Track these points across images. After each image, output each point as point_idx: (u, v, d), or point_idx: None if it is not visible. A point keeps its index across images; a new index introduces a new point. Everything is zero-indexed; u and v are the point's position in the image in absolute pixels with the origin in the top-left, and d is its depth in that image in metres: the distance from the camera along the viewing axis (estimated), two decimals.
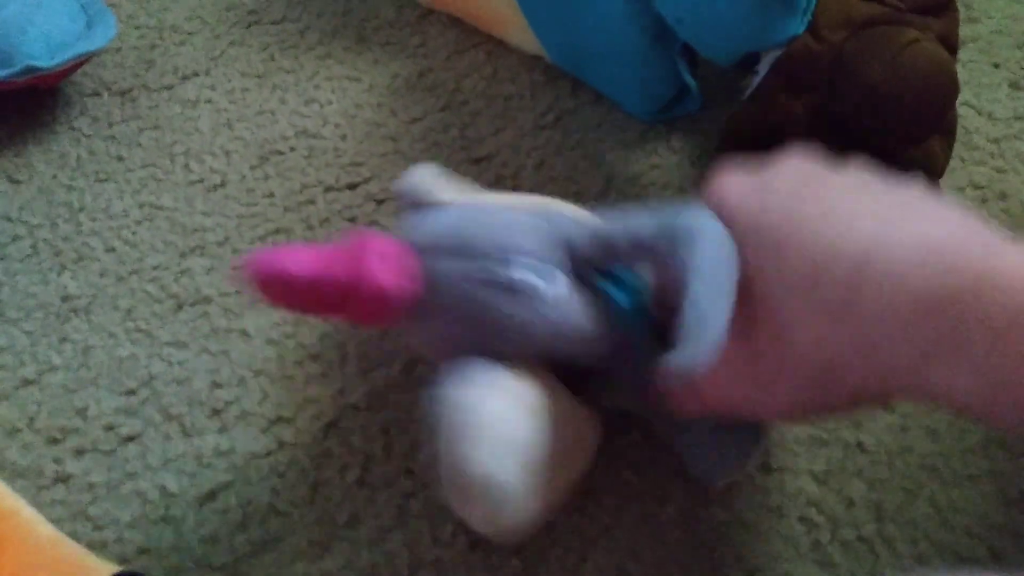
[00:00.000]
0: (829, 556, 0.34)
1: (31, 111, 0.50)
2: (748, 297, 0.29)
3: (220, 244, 0.45)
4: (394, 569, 0.35)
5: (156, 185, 0.47)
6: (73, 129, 0.50)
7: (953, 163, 0.44)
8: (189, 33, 0.54)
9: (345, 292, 0.29)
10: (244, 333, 0.41)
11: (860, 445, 0.37)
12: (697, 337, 0.27)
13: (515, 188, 0.46)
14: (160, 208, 0.46)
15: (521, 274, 0.30)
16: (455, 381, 0.30)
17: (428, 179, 0.36)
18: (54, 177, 0.48)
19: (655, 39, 0.44)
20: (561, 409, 0.33)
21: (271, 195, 0.47)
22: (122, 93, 0.51)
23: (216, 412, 0.39)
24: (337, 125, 0.49)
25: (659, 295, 0.32)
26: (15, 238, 0.45)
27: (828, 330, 0.26)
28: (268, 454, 0.38)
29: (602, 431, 0.35)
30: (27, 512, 0.34)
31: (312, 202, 0.46)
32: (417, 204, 0.35)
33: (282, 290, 0.29)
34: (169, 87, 0.52)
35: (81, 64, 0.49)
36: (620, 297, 0.32)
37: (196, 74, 0.52)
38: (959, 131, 0.44)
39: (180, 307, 0.42)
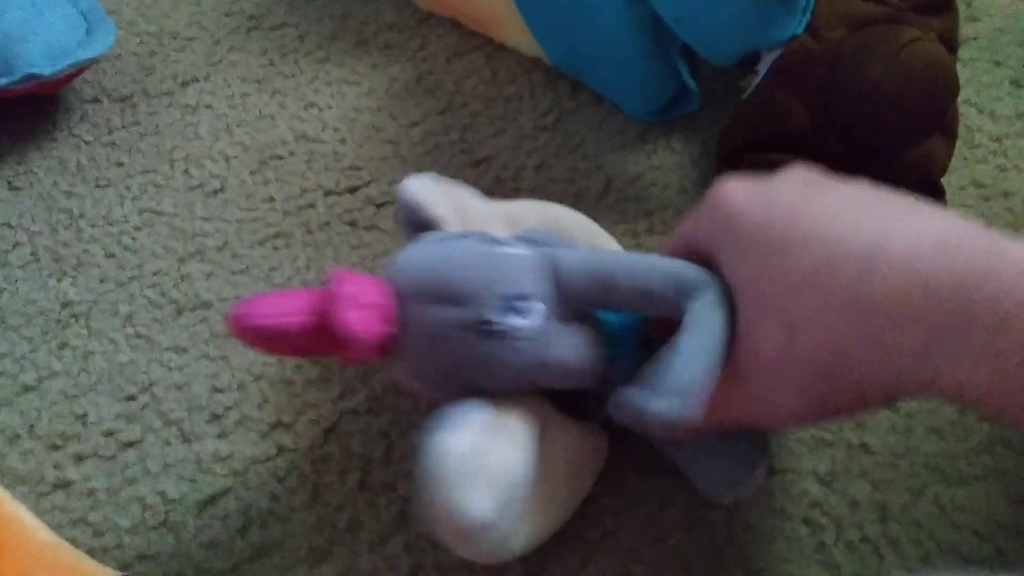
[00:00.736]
0: (833, 557, 0.34)
1: (31, 118, 0.50)
2: (753, 300, 0.28)
3: (220, 249, 0.45)
4: (395, 573, 0.34)
5: (156, 191, 0.47)
6: (73, 135, 0.50)
7: (955, 162, 0.44)
8: (188, 39, 0.54)
9: (319, 339, 0.29)
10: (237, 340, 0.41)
11: (864, 446, 0.36)
12: (687, 390, 0.27)
13: (515, 190, 0.46)
14: (160, 214, 0.46)
15: (497, 315, 0.30)
16: (438, 427, 0.29)
17: (425, 192, 0.35)
18: (54, 183, 0.48)
19: (654, 40, 0.44)
20: (554, 436, 0.33)
21: (271, 200, 0.47)
22: (122, 99, 0.51)
23: (216, 417, 0.39)
24: (336, 129, 0.49)
25: (655, 319, 0.33)
26: (15, 244, 0.45)
27: (836, 324, 0.26)
28: (268, 459, 0.38)
29: (605, 447, 0.35)
30: (27, 518, 0.34)
31: (312, 206, 0.46)
32: (414, 219, 0.35)
33: (259, 341, 0.30)
34: (169, 93, 0.52)
35: (81, 71, 0.49)
36: (611, 320, 0.32)
37: (196, 80, 0.52)
38: (961, 130, 0.44)
39: (180, 312, 0.42)
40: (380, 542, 0.35)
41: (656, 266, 0.30)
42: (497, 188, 0.46)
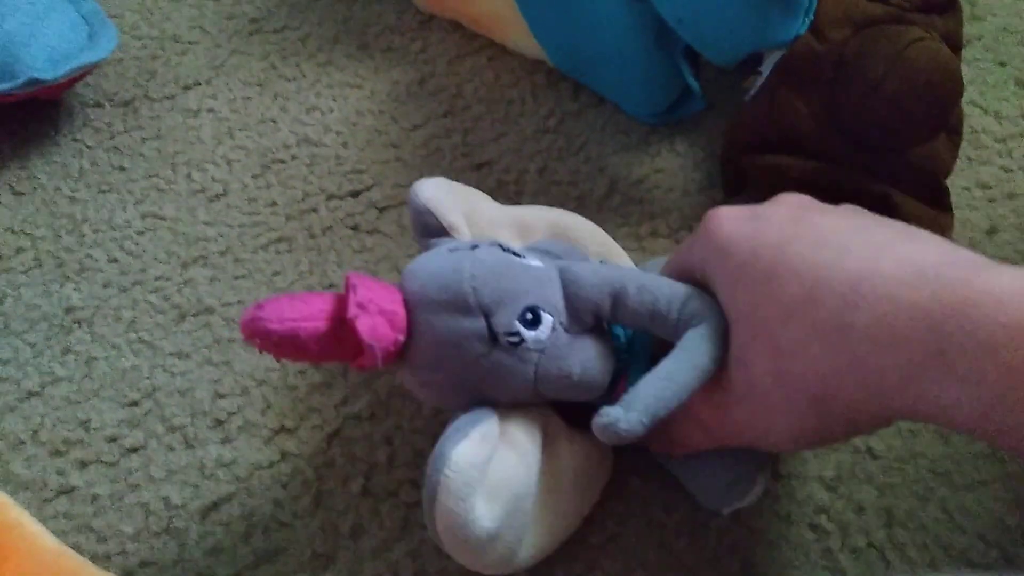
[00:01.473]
0: (839, 563, 0.34)
1: (34, 123, 0.50)
2: (746, 326, 0.29)
3: (222, 254, 0.45)
4: None
5: (158, 195, 0.47)
6: (75, 140, 0.50)
7: (960, 162, 0.43)
8: (190, 43, 0.54)
9: (331, 345, 0.29)
10: (247, 343, 0.41)
11: (870, 451, 0.36)
12: (642, 406, 0.27)
13: (518, 193, 0.46)
14: (162, 218, 0.46)
15: (507, 326, 0.30)
16: (444, 437, 0.29)
17: (437, 198, 0.35)
18: (57, 188, 0.48)
19: (657, 41, 0.44)
20: (561, 448, 0.33)
21: (273, 204, 0.46)
22: (124, 104, 0.51)
23: (219, 423, 0.39)
24: (339, 133, 0.49)
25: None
26: (18, 250, 0.45)
27: (824, 352, 0.26)
28: (271, 465, 0.38)
29: (611, 459, 0.35)
30: (31, 524, 0.33)
31: (314, 210, 0.46)
32: (425, 224, 0.35)
33: (271, 346, 0.29)
34: (171, 97, 0.52)
35: (83, 75, 0.49)
36: (623, 333, 0.33)
37: (198, 84, 0.52)
38: (965, 130, 0.44)
39: (183, 318, 0.42)
40: (384, 548, 0.35)
41: (665, 287, 0.30)
42: (499, 191, 0.46)
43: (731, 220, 0.30)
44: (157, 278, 0.44)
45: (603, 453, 0.34)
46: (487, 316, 0.30)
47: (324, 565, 0.35)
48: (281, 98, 0.51)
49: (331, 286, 0.43)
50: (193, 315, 0.42)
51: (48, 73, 0.46)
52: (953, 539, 0.34)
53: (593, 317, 0.31)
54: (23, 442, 0.39)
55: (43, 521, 0.35)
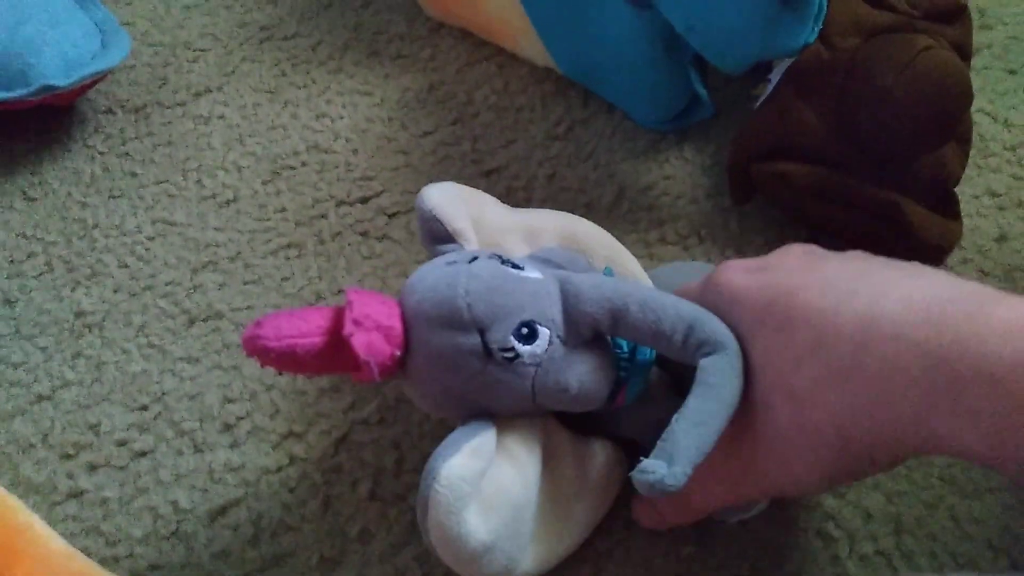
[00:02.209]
0: (847, 570, 0.34)
1: (46, 129, 0.51)
2: (764, 375, 0.29)
3: (232, 259, 0.45)
4: None
5: (169, 201, 0.48)
6: (87, 146, 0.50)
7: (969, 171, 0.43)
8: (202, 50, 0.55)
9: (330, 360, 0.30)
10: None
11: None
12: (685, 457, 0.27)
13: (527, 200, 0.46)
14: (173, 224, 0.47)
15: (502, 341, 0.30)
16: (436, 452, 0.29)
17: (444, 205, 0.35)
18: (68, 194, 0.48)
19: (666, 49, 0.44)
20: (564, 457, 0.33)
21: (283, 210, 0.47)
22: (136, 110, 0.52)
23: (228, 427, 0.39)
24: (348, 139, 0.50)
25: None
26: (30, 255, 0.46)
27: (838, 397, 0.27)
28: (279, 469, 0.38)
29: (619, 464, 0.34)
30: (40, 527, 0.34)
31: (324, 216, 0.46)
32: (433, 231, 0.35)
33: (272, 362, 0.30)
34: (182, 104, 0.52)
35: (96, 82, 0.49)
36: (621, 342, 0.32)
37: (209, 90, 0.53)
38: (975, 138, 0.44)
39: (192, 322, 0.43)
40: (391, 552, 0.35)
41: (672, 306, 0.30)
42: (509, 198, 0.46)
43: (741, 273, 0.31)
44: (167, 283, 0.44)
45: (610, 461, 0.34)
46: (482, 332, 0.30)
47: (331, 569, 0.35)
48: (291, 105, 0.52)
49: (340, 292, 0.43)
50: (203, 320, 0.43)
51: (61, 80, 0.47)
52: (961, 546, 0.34)
53: (592, 331, 0.30)
54: (33, 445, 0.39)
55: (52, 524, 0.35)
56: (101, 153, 0.50)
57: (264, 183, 0.48)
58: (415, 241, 0.45)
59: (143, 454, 0.39)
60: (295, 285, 0.44)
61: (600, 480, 0.34)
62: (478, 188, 0.46)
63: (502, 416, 0.31)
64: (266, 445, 0.38)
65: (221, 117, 0.51)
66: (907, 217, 0.40)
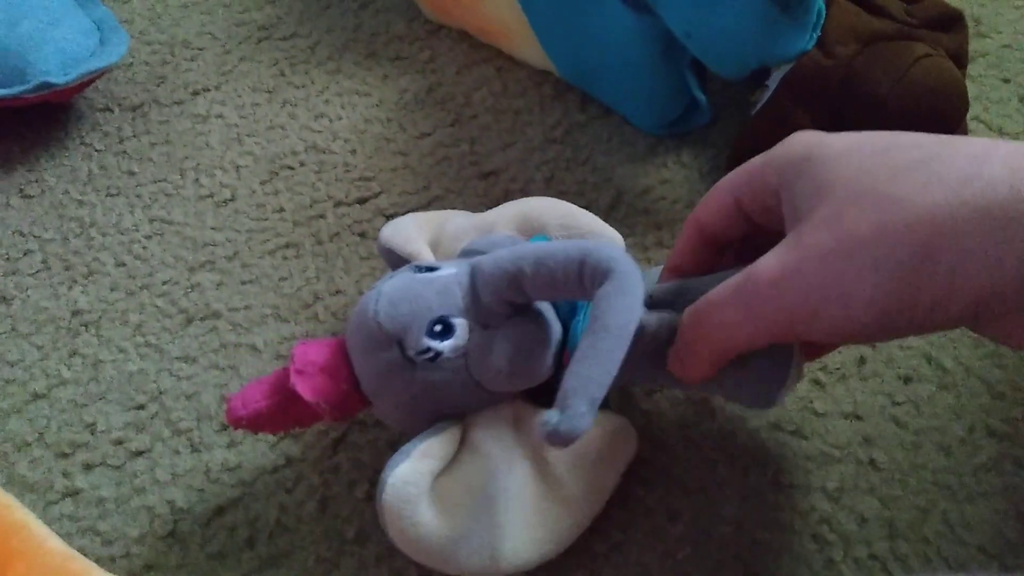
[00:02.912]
0: (841, 574, 0.34)
1: (43, 126, 0.51)
2: (843, 194, 0.26)
3: (230, 259, 0.45)
4: None
5: (166, 200, 0.47)
6: (85, 144, 0.50)
7: None
8: (200, 49, 0.55)
9: (294, 413, 0.32)
10: (253, 348, 0.41)
11: (872, 462, 0.36)
12: (575, 397, 0.26)
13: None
14: (170, 223, 0.46)
15: (418, 345, 0.30)
16: (387, 464, 0.31)
17: (395, 235, 0.36)
18: (65, 192, 0.48)
19: (664, 53, 0.44)
20: (536, 441, 0.32)
21: (281, 210, 0.47)
22: (133, 108, 0.52)
23: (225, 427, 0.39)
24: (347, 140, 0.50)
25: None
26: (26, 252, 0.46)
27: (946, 197, 0.24)
28: (276, 470, 0.38)
29: (618, 431, 0.34)
30: (36, 526, 0.34)
31: (322, 216, 0.46)
32: (392, 261, 0.36)
33: (248, 428, 0.33)
34: (180, 102, 0.52)
35: (93, 80, 0.49)
36: (563, 305, 0.32)
37: (207, 89, 0.52)
38: None
39: (189, 322, 0.43)
40: (388, 554, 0.35)
41: (561, 251, 0.28)
42: (506, 200, 0.45)
43: (817, 133, 0.29)
44: (164, 282, 0.44)
45: (605, 431, 0.33)
46: (399, 342, 0.31)
47: (328, 570, 0.35)
48: (290, 105, 0.52)
49: (338, 292, 0.43)
50: (200, 319, 0.43)
51: (59, 77, 0.47)
52: (954, 551, 0.34)
53: (505, 305, 0.30)
54: (29, 444, 0.39)
55: (48, 523, 0.35)
56: (98, 151, 0.50)
57: (262, 183, 0.48)
58: None
59: (139, 453, 0.38)
60: (292, 285, 0.44)
61: (594, 452, 0.33)
62: (476, 190, 0.46)
63: (468, 412, 0.32)
64: (263, 445, 0.38)
65: (219, 116, 0.51)
66: None
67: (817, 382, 0.39)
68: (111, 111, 0.52)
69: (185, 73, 0.53)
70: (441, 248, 0.37)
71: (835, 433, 0.37)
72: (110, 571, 0.34)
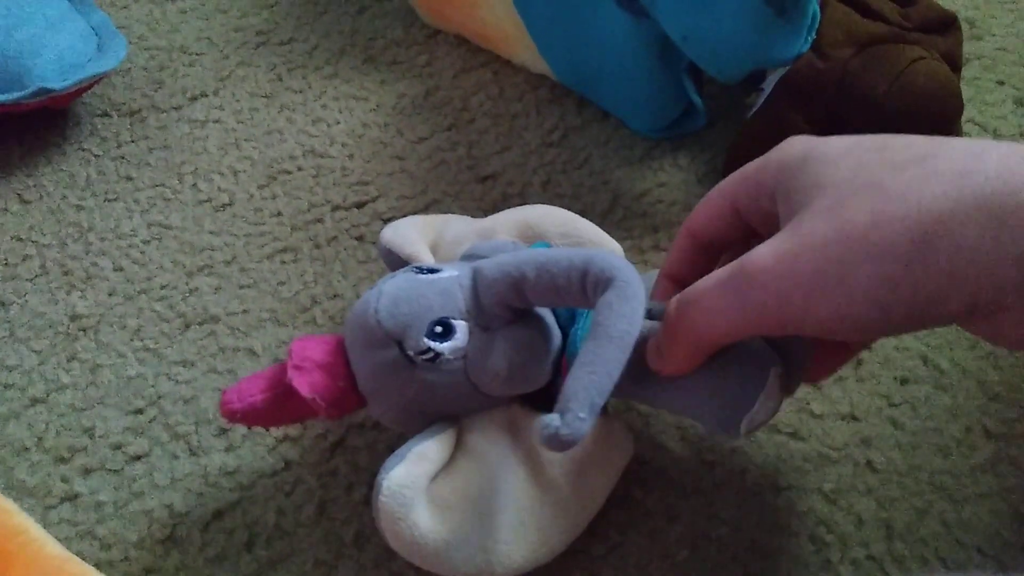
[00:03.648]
0: (839, 575, 0.34)
1: (41, 132, 0.51)
2: (843, 189, 0.26)
3: (228, 263, 0.45)
4: None
5: (164, 205, 0.48)
6: (83, 149, 0.50)
7: None
8: (198, 54, 0.55)
9: (290, 408, 0.32)
10: (251, 352, 0.41)
11: (870, 463, 0.36)
12: (575, 403, 0.26)
13: (521, 206, 0.46)
14: (168, 227, 0.47)
15: (418, 345, 0.30)
16: (383, 467, 0.31)
17: (396, 236, 0.36)
18: (63, 197, 0.48)
19: (661, 57, 0.44)
20: (531, 445, 0.32)
21: (279, 214, 0.47)
22: (131, 114, 0.52)
23: (223, 431, 0.39)
24: (344, 144, 0.50)
25: None
26: (25, 257, 0.46)
27: (944, 191, 0.24)
28: (274, 473, 0.38)
29: (619, 438, 0.34)
30: (35, 531, 0.34)
31: (320, 221, 0.46)
32: (392, 263, 0.36)
33: (243, 422, 0.33)
34: (178, 107, 0.52)
35: (92, 85, 0.49)
36: (562, 311, 0.32)
37: (205, 94, 0.53)
38: None
39: (188, 326, 0.43)
40: (387, 557, 0.35)
41: (565, 258, 0.29)
42: (504, 204, 0.46)
43: (810, 138, 0.29)
44: (163, 287, 0.44)
45: (601, 434, 0.33)
46: (399, 342, 0.31)
47: (327, 573, 0.35)
48: (287, 110, 0.52)
49: (336, 296, 0.43)
50: (198, 324, 0.43)
51: (57, 83, 0.47)
52: (951, 552, 0.34)
53: (506, 309, 0.30)
54: (27, 448, 0.39)
55: (47, 527, 0.35)
56: (96, 156, 0.50)
57: (260, 187, 0.48)
58: None
59: (138, 458, 0.38)
60: (290, 289, 0.44)
61: (589, 457, 0.33)
62: (473, 194, 0.47)
63: (464, 415, 0.32)
64: (261, 449, 0.38)
65: (217, 121, 0.51)
66: None
67: (814, 384, 0.39)
68: (109, 116, 0.52)
69: (183, 78, 0.54)
70: (441, 251, 0.37)
71: (832, 434, 0.37)
72: (108, 575, 0.34)
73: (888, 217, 0.24)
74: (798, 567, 0.34)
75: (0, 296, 0.44)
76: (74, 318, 0.43)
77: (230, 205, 0.47)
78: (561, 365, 0.32)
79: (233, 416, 0.32)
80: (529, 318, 0.31)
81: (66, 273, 0.45)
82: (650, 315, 0.32)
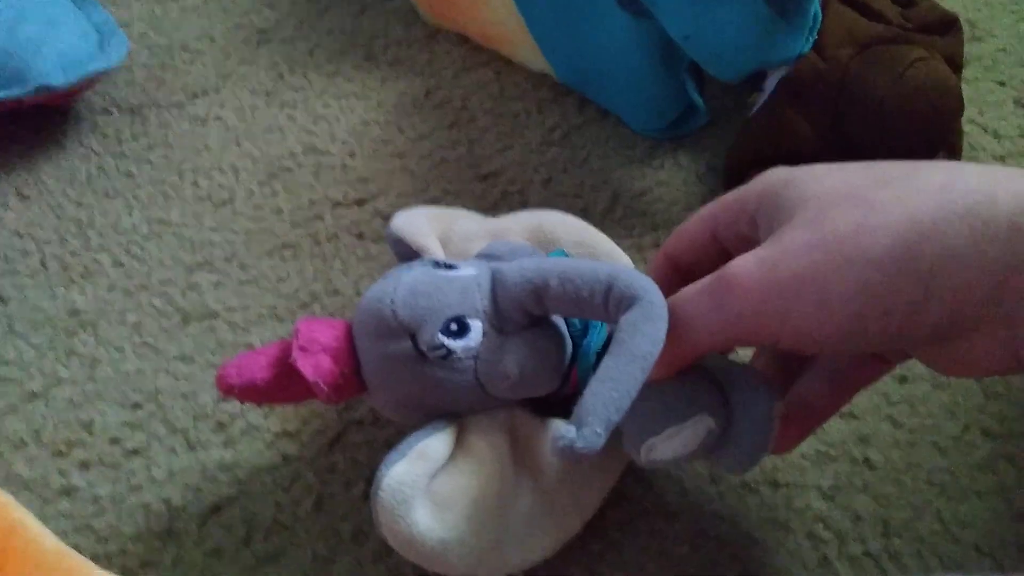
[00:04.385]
0: (836, 572, 0.34)
1: (42, 128, 0.51)
2: (829, 200, 0.26)
3: (227, 260, 0.45)
4: None
5: (165, 201, 0.48)
6: (83, 146, 0.50)
7: None
8: (199, 51, 0.55)
9: (289, 388, 0.32)
10: (251, 347, 0.41)
11: (867, 461, 0.36)
12: (594, 418, 0.26)
13: (522, 204, 0.46)
14: (168, 224, 0.47)
15: (432, 341, 0.30)
16: (384, 461, 0.30)
17: (408, 225, 0.36)
18: (64, 193, 0.48)
19: (662, 57, 0.44)
20: (536, 445, 0.32)
21: (279, 211, 0.47)
22: (132, 111, 0.52)
23: (221, 426, 0.39)
24: (345, 142, 0.50)
25: None
26: (24, 253, 0.46)
27: (928, 204, 0.24)
28: (273, 468, 0.38)
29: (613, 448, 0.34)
30: (32, 524, 0.34)
31: (320, 218, 0.46)
32: (402, 252, 0.36)
33: (241, 397, 0.32)
34: (179, 105, 0.52)
35: (93, 82, 0.49)
36: (575, 321, 0.32)
37: (206, 92, 0.53)
38: (964, 148, 0.45)
39: (187, 322, 0.43)
40: (386, 553, 0.35)
41: (590, 270, 0.28)
42: (504, 202, 0.46)
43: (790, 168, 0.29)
44: (162, 282, 0.44)
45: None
46: (412, 335, 0.30)
47: (325, 569, 0.35)
48: (288, 107, 0.52)
49: (336, 292, 0.43)
50: (197, 320, 0.43)
51: (58, 80, 0.47)
52: (948, 549, 0.34)
53: (524, 314, 0.30)
54: (25, 443, 0.39)
55: (44, 521, 0.35)
56: (97, 153, 0.50)
57: (260, 184, 0.48)
58: None
59: (136, 452, 0.38)
60: (291, 286, 0.44)
61: (587, 462, 0.33)
62: (474, 192, 0.47)
63: (465, 414, 0.32)
64: (260, 444, 0.38)
65: (218, 119, 0.51)
66: None
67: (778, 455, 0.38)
68: (110, 113, 0.52)
69: (184, 76, 0.54)
70: (450, 246, 0.37)
71: (831, 432, 0.37)
72: (106, 569, 0.34)
73: (872, 226, 0.24)
74: (796, 564, 0.34)
75: None
76: (73, 313, 0.43)
77: (230, 202, 0.47)
78: (570, 375, 0.32)
79: (230, 391, 0.32)
80: (544, 325, 0.31)
81: (65, 268, 0.45)
82: None
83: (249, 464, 0.38)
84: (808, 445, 0.37)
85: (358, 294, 0.43)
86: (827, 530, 0.35)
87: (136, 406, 0.40)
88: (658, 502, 0.36)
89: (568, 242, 0.37)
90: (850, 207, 0.25)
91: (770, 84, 0.43)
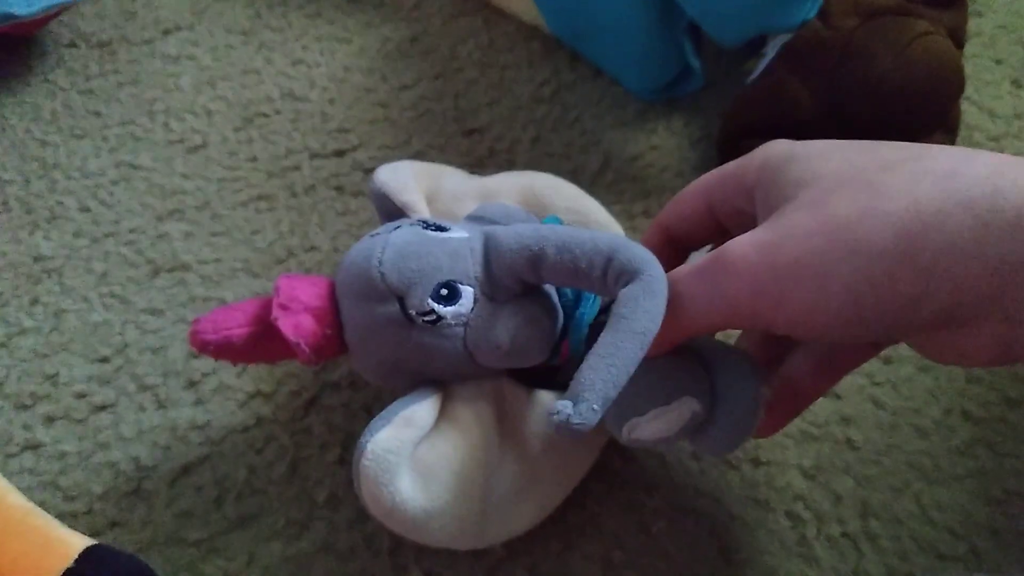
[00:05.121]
0: (814, 551, 0.34)
1: (5, 61, 0.48)
2: (830, 183, 0.25)
3: (200, 208, 0.43)
4: (373, 550, 0.34)
5: (134, 144, 0.45)
6: (48, 81, 0.48)
7: None
8: None
9: (267, 347, 0.31)
10: (223, 302, 0.40)
11: (849, 441, 0.36)
12: (591, 394, 0.25)
13: (510, 162, 0.45)
14: (138, 168, 0.45)
15: (421, 305, 0.29)
16: (368, 427, 0.30)
17: (392, 180, 0.35)
18: (27, 131, 0.46)
19: (661, 15, 0.43)
20: (522, 416, 0.32)
21: (254, 159, 0.45)
22: (101, 45, 0.49)
23: (192, 384, 0.38)
24: (325, 88, 0.48)
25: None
26: None
27: (934, 190, 0.23)
28: (245, 429, 0.37)
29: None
30: None
31: (297, 168, 0.45)
32: (385, 207, 0.35)
33: (215, 354, 0.31)
34: (150, 41, 0.50)
35: (59, 13, 0.47)
36: (568, 291, 0.31)
37: (179, 28, 0.50)
38: (960, 127, 0.44)
39: (157, 273, 0.41)
40: (359, 519, 0.35)
41: (589, 240, 0.27)
42: (491, 160, 0.45)
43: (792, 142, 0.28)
44: (131, 230, 0.42)
45: None
46: (400, 299, 0.29)
47: (298, 533, 0.34)
48: (266, 49, 0.49)
49: (313, 248, 0.42)
50: (167, 271, 0.41)
51: (22, 8, 0.44)
52: (924, 532, 0.35)
53: (517, 282, 0.29)
54: None
55: (8, 477, 0.34)
56: (63, 89, 0.47)
57: (235, 130, 0.46)
58: None
59: (103, 408, 0.37)
60: (265, 239, 0.42)
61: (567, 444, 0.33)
62: (459, 148, 0.45)
63: (450, 381, 0.31)
64: (232, 404, 0.37)
65: (191, 58, 0.49)
66: None
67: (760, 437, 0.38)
68: (77, 47, 0.49)
69: (156, 10, 0.51)
70: (437, 204, 0.36)
71: (814, 411, 0.37)
72: (73, 528, 0.33)
73: (876, 212, 0.24)
74: (774, 542, 0.34)
75: None
76: (37, 259, 0.41)
77: (203, 147, 0.45)
78: (560, 347, 0.31)
79: (204, 347, 0.31)
80: (536, 294, 0.30)
81: (29, 212, 0.43)
82: None
83: (221, 424, 0.37)
84: (791, 424, 0.37)
85: (336, 250, 0.42)
86: (807, 509, 0.35)
87: (103, 360, 0.38)
88: (639, 475, 0.36)
89: (561, 208, 0.36)
90: (854, 191, 0.24)
91: (771, 50, 0.42)
